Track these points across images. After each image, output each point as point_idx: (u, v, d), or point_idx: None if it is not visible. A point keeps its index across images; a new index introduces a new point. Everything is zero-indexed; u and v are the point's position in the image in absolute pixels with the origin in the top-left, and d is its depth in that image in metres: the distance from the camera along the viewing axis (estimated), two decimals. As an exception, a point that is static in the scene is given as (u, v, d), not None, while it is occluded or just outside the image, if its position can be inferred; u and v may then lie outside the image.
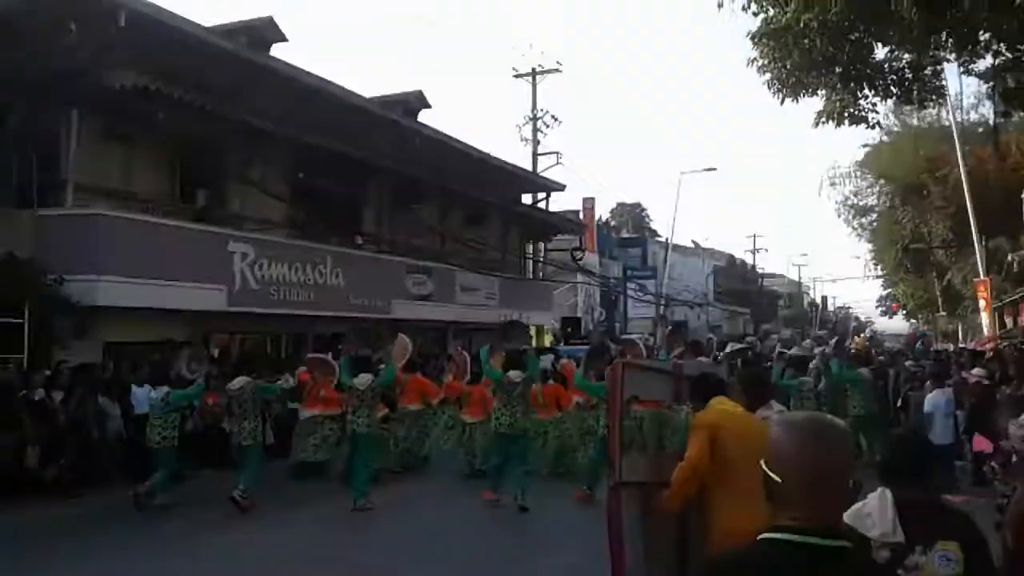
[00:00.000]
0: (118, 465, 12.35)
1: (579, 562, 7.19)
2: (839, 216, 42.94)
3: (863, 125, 14.03)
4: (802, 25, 11.91)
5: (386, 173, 21.16)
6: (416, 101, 24.97)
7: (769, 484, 1.82)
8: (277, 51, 19.06)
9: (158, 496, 10.69)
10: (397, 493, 11.72)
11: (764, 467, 1.83)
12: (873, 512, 3.18)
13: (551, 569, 7.52)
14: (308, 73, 18.35)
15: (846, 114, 13.71)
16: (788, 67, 12.79)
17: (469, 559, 8.15)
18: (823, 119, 13.81)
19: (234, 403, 11.03)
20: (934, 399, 11.52)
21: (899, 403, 15.49)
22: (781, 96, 13.25)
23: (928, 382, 12.96)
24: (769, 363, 15.32)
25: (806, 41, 12.29)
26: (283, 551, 8.67)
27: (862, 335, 68.97)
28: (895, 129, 38.11)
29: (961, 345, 31.76)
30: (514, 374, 10.76)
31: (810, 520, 1.76)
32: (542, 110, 33.92)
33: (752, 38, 12.81)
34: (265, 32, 19.09)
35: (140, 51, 13.91)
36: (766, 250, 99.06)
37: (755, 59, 12.89)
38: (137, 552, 8.63)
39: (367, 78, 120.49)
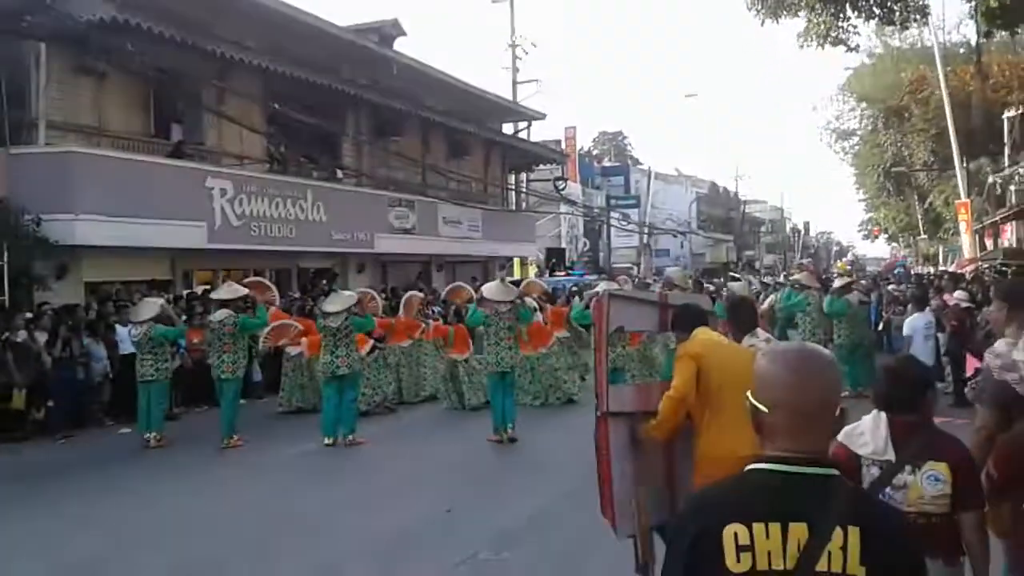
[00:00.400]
0: (106, 405, 12.37)
1: (570, 489, 7.27)
2: (821, 140, 42.90)
3: (844, 47, 13.89)
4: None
5: (364, 104, 20.85)
6: (391, 29, 24.47)
7: (756, 415, 1.81)
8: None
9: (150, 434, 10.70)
10: (389, 428, 11.80)
11: (751, 398, 1.82)
12: (866, 431, 3.25)
13: (542, 497, 7.60)
14: (280, 2, 17.88)
15: (828, 36, 13.55)
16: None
17: (459, 489, 8.22)
18: (806, 40, 13.64)
19: (214, 336, 10.93)
20: (913, 321, 11.62)
21: (880, 326, 15.68)
22: (762, 17, 13.07)
23: (909, 305, 13.04)
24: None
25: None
26: (272, 487, 8.74)
27: (843, 260, 69.46)
28: (877, 51, 37.83)
29: (942, 268, 32.07)
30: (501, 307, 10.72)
31: (797, 450, 1.76)
32: (521, 37, 33.42)
33: (731, -40, 12.58)
34: (235, -42, 18.55)
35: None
36: (748, 176, 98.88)
37: None
38: (127, 492, 8.67)
39: (340, 7, 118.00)
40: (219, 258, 16.88)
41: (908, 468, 3.11)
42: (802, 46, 13.61)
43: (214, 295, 11.91)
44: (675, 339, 5.10)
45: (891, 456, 3.15)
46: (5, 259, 11.95)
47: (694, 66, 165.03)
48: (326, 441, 10.39)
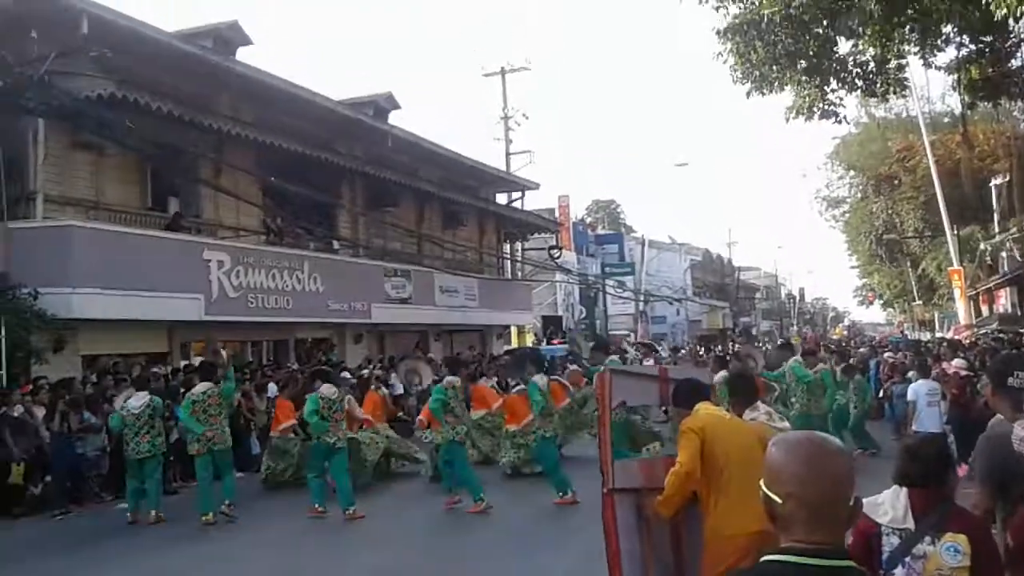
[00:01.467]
0: (103, 479, 12.18)
1: (576, 565, 7.15)
2: (811, 208, 43.40)
3: (832, 119, 14.12)
4: (766, 20, 11.96)
5: (359, 176, 21.05)
6: (386, 102, 24.87)
7: (770, 505, 1.82)
8: (243, 55, 18.93)
9: (142, 510, 10.52)
10: (405, 494, 11.64)
11: (764, 488, 1.82)
12: (886, 501, 3.25)
13: (550, 571, 7.45)
14: (275, 76, 18.19)
15: (815, 108, 13.78)
16: (753, 62, 12.85)
17: (466, 560, 8.07)
18: (793, 114, 13.87)
19: (199, 409, 10.53)
20: (917, 388, 11.69)
21: (880, 394, 15.61)
22: (748, 91, 13.32)
23: (911, 372, 13.07)
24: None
25: (771, 36, 12.37)
26: (270, 560, 8.56)
27: (840, 326, 69.61)
28: (863, 121, 38.48)
29: (939, 334, 32.09)
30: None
31: (813, 541, 1.76)
32: (513, 109, 33.96)
33: (717, 33, 12.88)
34: (230, 35, 18.94)
35: (104, 58, 13.71)
36: (742, 243, 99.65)
37: (720, 54, 12.95)
38: (123, 566, 8.50)
39: (335, 80, 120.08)
40: (216, 330, 16.81)
41: (927, 539, 3.11)
42: (789, 119, 13.84)
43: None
44: (677, 414, 5.06)
45: (910, 525, 3.15)
46: (3, 333, 11.89)
47: (685, 135, 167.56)
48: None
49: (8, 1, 13.13)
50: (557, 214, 39.47)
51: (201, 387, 10.71)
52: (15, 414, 11.22)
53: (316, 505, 10.38)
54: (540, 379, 11.26)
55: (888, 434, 14.03)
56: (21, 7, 13.16)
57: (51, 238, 13.54)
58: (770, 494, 1.80)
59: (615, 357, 14.22)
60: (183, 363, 15.75)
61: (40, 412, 11.55)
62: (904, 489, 3.25)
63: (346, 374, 16.37)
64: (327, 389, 10.59)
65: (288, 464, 12.69)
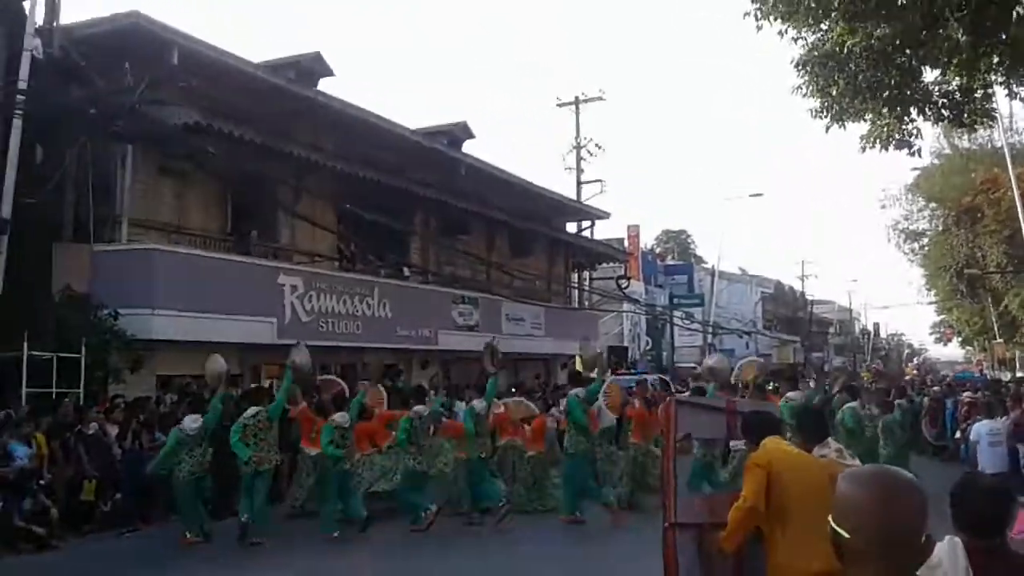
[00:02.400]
0: (172, 499, 12.44)
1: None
2: (889, 241, 42.34)
3: (906, 150, 13.83)
4: (846, 51, 11.77)
5: (432, 204, 21.32)
6: (460, 132, 25.18)
7: (837, 539, 1.78)
8: (324, 85, 19.40)
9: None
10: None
11: (832, 524, 1.79)
12: (944, 562, 3.07)
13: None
14: (354, 106, 18.61)
15: (892, 139, 13.51)
16: (833, 95, 12.65)
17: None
18: (869, 143, 13.62)
19: (249, 432, 10.84)
20: (979, 427, 11.54)
21: (958, 434, 15.15)
22: (827, 124, 13.10)
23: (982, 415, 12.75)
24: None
25: (851, 67, 12.15)
26: None
27: (911, 364, 67.68)
28: (945, 152, 37.55)
29: (1020, 374, 30.97)
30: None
31: None
32: (586, 138, 34.06)
33: (796, 66, 12.69)
34: (313, 67, 19.43)
35: (191, 88, 14.25)
36: (815, 276, 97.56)
37: (799, 87, 12.76)
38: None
39: (412, 110, 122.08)
40: (287, 353, 17.12)
41: None
42: (864, 149, 13.58)
43: None
44: (745, 448, 5.01)
45: None
46: (83, 352, 12.32)
47: (760, 164, 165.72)
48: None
49: (105, 33, 13.74)
50: (626, 243, 39.32)
51: (251, 411, 11.02)
52: (90, 431, 11.57)
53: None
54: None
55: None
56: (116, 40, 13.76)
57: (134, 261, 14.03)
58: (837, 528, 1.77)
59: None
60: (252, 385, 16.06)
61: (114, 430, 11.91)
62: (959, 543, 3.03)
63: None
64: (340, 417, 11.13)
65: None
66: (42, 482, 10.69)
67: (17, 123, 12.94)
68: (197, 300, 14.18)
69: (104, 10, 14.02)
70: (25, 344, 11.47)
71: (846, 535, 1.76)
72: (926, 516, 1.79)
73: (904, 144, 13.73)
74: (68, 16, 14.21)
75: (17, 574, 9.27)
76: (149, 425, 12.34)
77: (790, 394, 12.20)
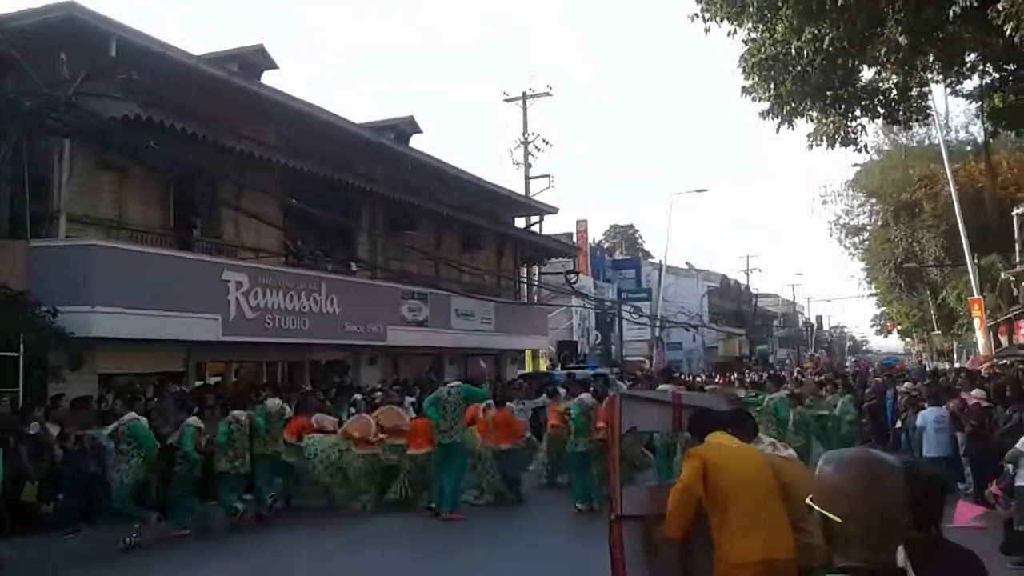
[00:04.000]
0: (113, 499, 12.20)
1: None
2: (831, 235, 43.14)
3: (853, 147, 14.12)
4: (794, 52, 11.95)
5: (379, 199, 21.17)
6: (407, 126, 25.05)
7: (827, 525, 1.80)
8: (268, 79, 19.12)
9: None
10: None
11: (820, 510, 1.81)
12: None
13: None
14: (298, 99, 18.37)
15: (837, 136, 13.78)
16: (782, 96, 12.85)
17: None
18: (816, 142, 13.87)
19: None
20: (926, 414, 12.22)
21: (899, 424, 15.54)
22: (777, 124, 13.30)
23: (926, 402, 13.13)
24: None
25: (800, 67, 12.35)
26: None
27: (850, 360, 69.15)
28: (885, 148, 38.36)
29: (957, 365, 31.79)
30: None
31: (873, 560, 1.77)
32: (533, 133, 34.09)
33: (743, 68, 12.84)
34: (256, 60, 19.16)
35: (131, 80, 13.92)
36: (760, 270, 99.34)
37: (747, 88, 12.93)
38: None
39: (358, 104, 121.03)
40: (233, 350, 16.94)
41: None
42: (811, 147, 13.82)
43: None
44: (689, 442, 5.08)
45: None
46: (21, 351, 12.00)
47: (705, 160, 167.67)
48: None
49: (39, 24, 13.37)
50: (575, 238, 39.49)
51: (272, 403, 12.05)
52: (31, 431, 11.28)
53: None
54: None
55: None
56: (52, 31, 13.40)
57: (72, 257, 13.68)
58: (827, 514, 1.79)
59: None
60: (198, 383, 15.84)
61: (55, 430, 11.62)
62: None
63: (357, 396, 16.50)
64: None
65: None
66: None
67: (-53, 115, 12.58)
68: (139, 297, 13.89)
69: (38, 0, 13.57)
70: (-43, 343, 11.14)
71: (839, 520, 1.78)
72: (906, 497, 1.84)
73: (849, 141, 14.03)
74: (0, 6, 13.82)
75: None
76: (88, 425, 12.07)
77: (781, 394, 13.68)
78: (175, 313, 14.58)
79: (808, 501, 1.85)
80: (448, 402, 11.93)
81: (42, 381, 12.87)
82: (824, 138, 13.72)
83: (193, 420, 11.28)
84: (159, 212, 16.41)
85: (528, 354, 31.83)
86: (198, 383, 15.84)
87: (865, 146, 14.72)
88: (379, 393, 17.42)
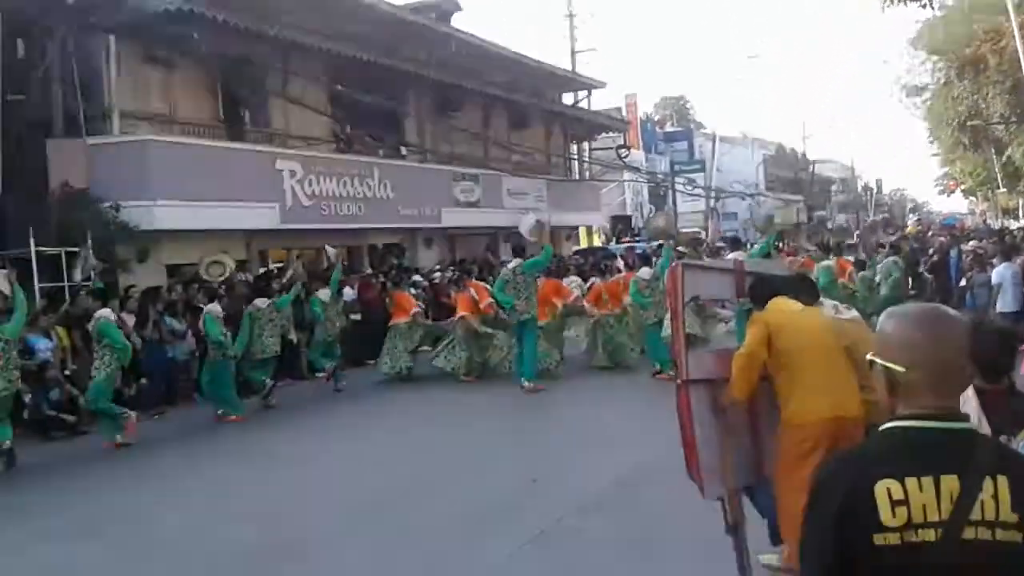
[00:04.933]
0: (194, 382, 12.75)
1: (651, 459, 7.30)
2: (891, 96, 41.69)
3: (921, 2, 13.45)
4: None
5: (424, 81, 20.91)
6: (448, 4, 24.49)
7: (891, 376, 1.83)
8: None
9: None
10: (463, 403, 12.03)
11: (882, 361, 1.84)
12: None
13: (627, 467, 7.59)
14: (338, -17, 18.02)
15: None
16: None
17: (541, 460, 8.30)
18: (888, 2, 13.20)
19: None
20: (1002, 271, 12.06)
21: (964, 282, 15.36)
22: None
23: (995, 259, 13.01)
24: None
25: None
26: (361, 460, 8.95)
27: (913, 220, 67.62)
28: (948, 3, 36.46)
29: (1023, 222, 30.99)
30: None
31: (939, 406, 1.80)
32: (577, 5, 33.11)
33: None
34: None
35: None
36: (816, 135, 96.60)
37: None
38: (213, 462, 9.08)
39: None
40: (292, 237, 17.24)
41: (1004, 438, 2.95)
42: (884, 9, 13.18)
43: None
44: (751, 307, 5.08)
45: (986, 429, 3.00)
46: (89, 245, 12.35)
47: (756, 26, 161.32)
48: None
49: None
50: (624, 112, 38.77)
51: (259, 302, 12.03)
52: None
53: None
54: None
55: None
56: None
57: (129, 153, 13.90)
58: (890, 365, 1.82)
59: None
60: (261, 270, 16.21)
61: (131, 320, 12.05)
62: (971, 388, 3.05)
63: (417, 277, 16.78)
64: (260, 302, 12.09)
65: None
66: (67, 372, 10.93)
67: (-6, 17, 12.61)
68: (197, 188, 14.12)
69: None
70: (32, 240, 11.49)
71: (902, 369, 1.81)
72: (967, 345, 1.86)
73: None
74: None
75: (54, 458, 9.58)
76: (170, 313, 12.57)
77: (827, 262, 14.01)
78: (233, 203, 14.83)
79: (869, 356, 1.87)
80: (516, 282, 12.03)
81: (112, 274, 13.27)
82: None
83: (213, 307, 11.59)
84: (208, 105, 16.47)
85: (583, 230, 31.79)
86: (261, 270, 16.20)
87: (931, 1, 14.02)
88: (437, 274, 17.70)
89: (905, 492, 1.72)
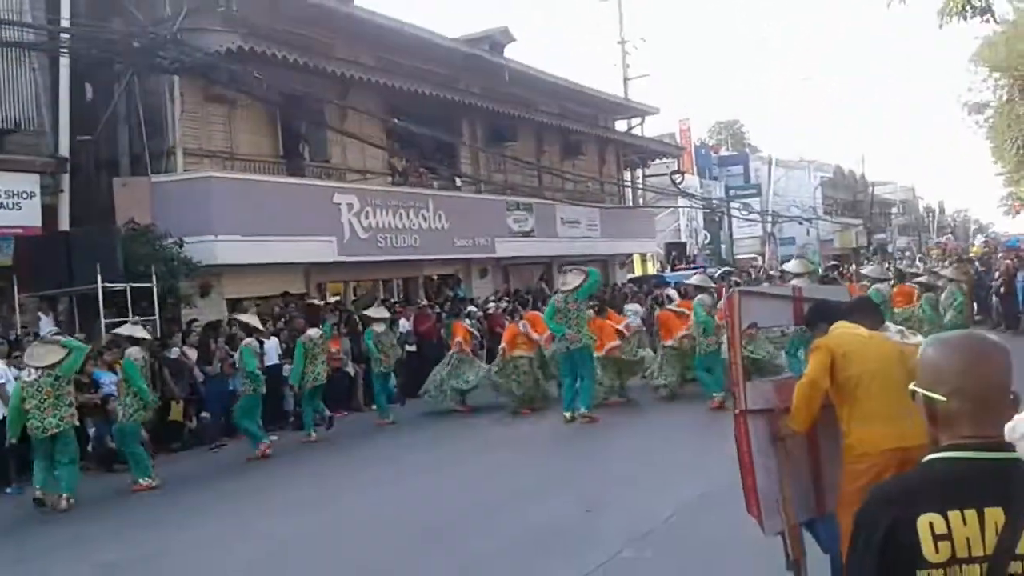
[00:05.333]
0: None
1: (710, 489, 7.20)
2: (953, 115, 40.87)
3: (979, 18, 13.17)
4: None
5: (478, 112, 21.15)
6: (501, 36, 24.75)
7: (932, 405, 1.80)
8: (359, 0, 19.12)
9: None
10: (518, 431, 12.00)
11: (923, 391, 1.81)
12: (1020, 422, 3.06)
13: (681, 496, 7.49)
14: (391, 19, 18.40)
15: (968, 7, 12.86)
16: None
17: (598, 489, 8.24)
18: (945, 19, 12.97)
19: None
20: None
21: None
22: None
23: None
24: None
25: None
26: (413, 491, 8.98)
27: (978, 240, 65.93)
28: (1009, 18, 35.74)
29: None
30: None
31: (981, 436, 1.76)
32: (629, 32, 33.24)
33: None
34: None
35: (230, 12, 14.21)
36: (875, 157, 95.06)
37: None
38: (288, 485, 9.15)
39: (450, 18, 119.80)
40: (349, 270, 17.49)
41: None
42: (942, 26, 12.93)
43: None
44: (811, 334, 5.00)
45: None
46: (154, 281, 12.67)
47: (809, 48, 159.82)
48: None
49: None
50: (678, 138, 38.64)
51: (312, 332, 12.24)
52: (172, 355, 12.03)
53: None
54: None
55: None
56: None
57: (192, 189, 14.27)
58: (931, 394, 1.79)
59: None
60: (320, 301, 16.46)
61: (193, 353, 12.33)
62: None
63: (472, 308, 16.87)
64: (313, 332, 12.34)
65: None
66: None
67: (64, 61, 13.08)
68: (257, 223, 14.42)
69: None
70: (98, 276, 11.82)
71: (943, 399, 1.78)
72: (1012, 373, 1.82)
73: (983, 11, 13.10)
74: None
75: (119, 489, 9.79)
76: (224, 346, 12.81)
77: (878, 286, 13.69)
78: (292, 237, 15.09)
79: (911, 387, 1.84)
80: (568, 310, 12.03)
81: (175, 308, 13.59)
82: (953, 14, 12.82)
83: (251, 341, 11.68)
84: (268, 141, 16.86)
85: (637, 258, 31.65)
86: (321, 302, 16.45)
87: (993, 14, 13.69)
88: (491, 304, 17.77)
89: (948, 526, 1.68)
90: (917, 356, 1.88)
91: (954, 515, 1.69)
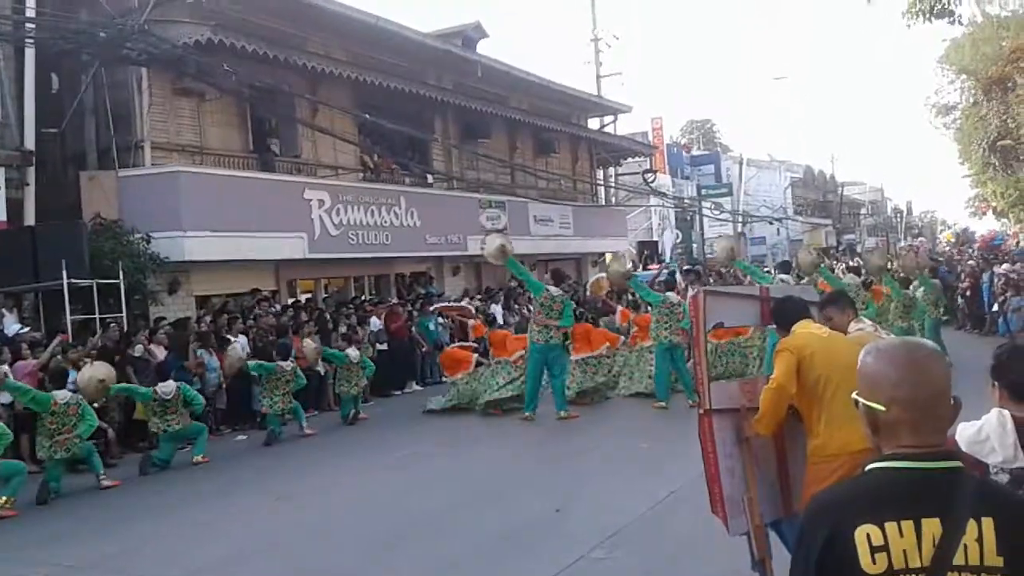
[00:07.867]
0: (221, 413, 12.80)
1: (678, 488, 7.22)
2: (921, 117, 41.37)
3: (946, 19, 13.39)
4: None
5: (450, 108, 21.08)
6: (473, 32, 24.69)
7: (872, 415, 1.79)
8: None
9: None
10: (493, 428, 11.98)
11: (863, 400, 1.80)
12: (991, 436, 3.05)
13: (651, 496, 7.49)
14: (364, 12, 18.22)
15: (934, 9, 13.05)
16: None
17: (567, 489, 8.24)
18: (911, 17, 13.16)
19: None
20: None
21: (994, 308, 15.11)
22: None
23: None
24: None
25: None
26: (383, 488, 8.93)
27: (948, 231, 66.70)
28: (976, 20, 36.19)
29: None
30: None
31: (920, 445, 1.75)
32: (602, 29, 33.28)
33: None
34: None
35: (199, 4, 14.05)
36: (844, 157, 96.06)
37: None
38: (234, 494, 9.07)
39: (422, 13, 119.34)
40: (320, 267, 17.37)
41: None
42: (909, 25, 13.12)
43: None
44: (776, 334, 5.00)
45: (1022, 463, 2.97)
46: (120, 277, 12.51)
47: (782, 48, 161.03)
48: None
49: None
50: (651, 137, 38.75)
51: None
52: (136, 354, 11.85)
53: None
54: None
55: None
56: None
57: (160, 184, 14.08)
58: (871, 404, 1.78)
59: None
60: (290, 300, 16.33)
61: (160, 352, 12.16)
62: (1008, 416, 3.03)
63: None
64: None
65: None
66: (95, 405, 10.99)
67: (30, 52, 12.88)
68: (226, 219, 14.28)
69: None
70: (64, 272, 11.64)
71: (882, 408, 1.76)
72: (950, 379, 1.81)
73: (947, 13, 13.30)
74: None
75: (82, 488, 9.65)
76: (204, 343, 12.66)
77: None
78: (262, 233, 14.96)
79: (853, 396, 1.83)
80: (553, 309, 12.02)
81: (142, 305, 13.42)
82: (918, 14, 13.01)
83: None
84: (238, 135, 16.69)
85: (609, 256, 31.69)
86: (290, 300, 16.33)
87: (959, 18, 13.90)
88: (464, 302, 17.76)
89: (885, 537, 1.67)
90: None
91: (891, 526, 1.67)
